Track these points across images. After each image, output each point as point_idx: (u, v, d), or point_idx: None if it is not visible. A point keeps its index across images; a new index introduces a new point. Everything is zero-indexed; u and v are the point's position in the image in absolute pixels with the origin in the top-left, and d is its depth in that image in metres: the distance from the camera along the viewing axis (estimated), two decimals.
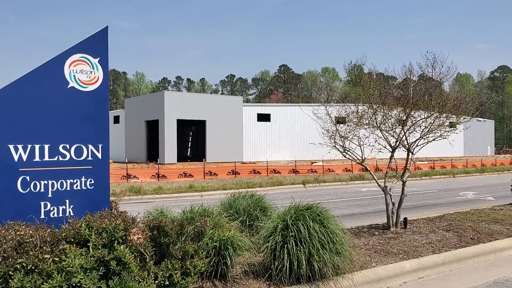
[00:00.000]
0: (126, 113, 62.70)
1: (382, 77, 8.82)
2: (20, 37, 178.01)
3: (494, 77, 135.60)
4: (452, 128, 8.78)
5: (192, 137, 71.08)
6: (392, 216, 8.88)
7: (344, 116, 9.22)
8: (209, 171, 28.86)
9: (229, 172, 29.72)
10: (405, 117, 8.48)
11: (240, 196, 7.48)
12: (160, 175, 26.81)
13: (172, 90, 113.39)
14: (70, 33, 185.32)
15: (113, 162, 57.76)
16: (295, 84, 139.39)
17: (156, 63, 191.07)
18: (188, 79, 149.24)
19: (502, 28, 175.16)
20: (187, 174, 27.93)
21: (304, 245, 5.69)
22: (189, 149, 71.07)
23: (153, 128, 56.75)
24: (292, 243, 5.71)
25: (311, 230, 5.76)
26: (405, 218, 9.13)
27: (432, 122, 8.43)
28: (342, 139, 8.69)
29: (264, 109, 62.92)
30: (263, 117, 61.36)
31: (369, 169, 9.06)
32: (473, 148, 73.27)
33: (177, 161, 53.02)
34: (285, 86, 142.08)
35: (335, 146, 8.78)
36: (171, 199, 18.00)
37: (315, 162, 48.12)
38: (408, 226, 9.12)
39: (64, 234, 4.43)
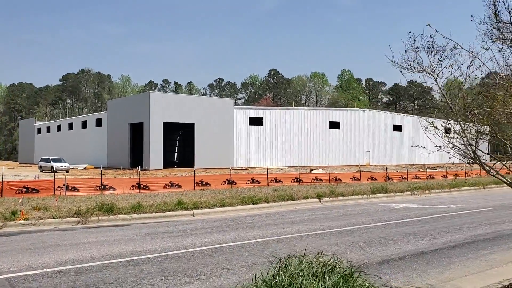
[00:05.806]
0: (109, 116, 57.80)
1: None
2: (3, 40, 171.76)
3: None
4: None
5: (179, 142, 66.39)
6: None
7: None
8: (200, 181, 24.48)
9: (223, 181, 25.39)
10: None
11: (303, 266, 3.24)
12: (142, 186, 22.33)
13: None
14: (57, 37, 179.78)
15: (94, 167, 52.74)
16: (284, 89, 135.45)
17: (143, 68, 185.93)
18: (176, 83, 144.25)
19: None
20: (174, 184, 23.50)
21: None
22: (176, 154, 66.31)
23: (137, 132, 52.03)
24: None
25: None
26: None
27: None
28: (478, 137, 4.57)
29: (256, 112, 58.47)
30: (256, 121, 56.96)
31: None
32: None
33: (163, 167, 48.58)
34: (275, 91, 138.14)
35: (466, 150, 4.70)
36: (153, 221, 13.65)
37: (314, 169, 44.02)
38: None
39: None
